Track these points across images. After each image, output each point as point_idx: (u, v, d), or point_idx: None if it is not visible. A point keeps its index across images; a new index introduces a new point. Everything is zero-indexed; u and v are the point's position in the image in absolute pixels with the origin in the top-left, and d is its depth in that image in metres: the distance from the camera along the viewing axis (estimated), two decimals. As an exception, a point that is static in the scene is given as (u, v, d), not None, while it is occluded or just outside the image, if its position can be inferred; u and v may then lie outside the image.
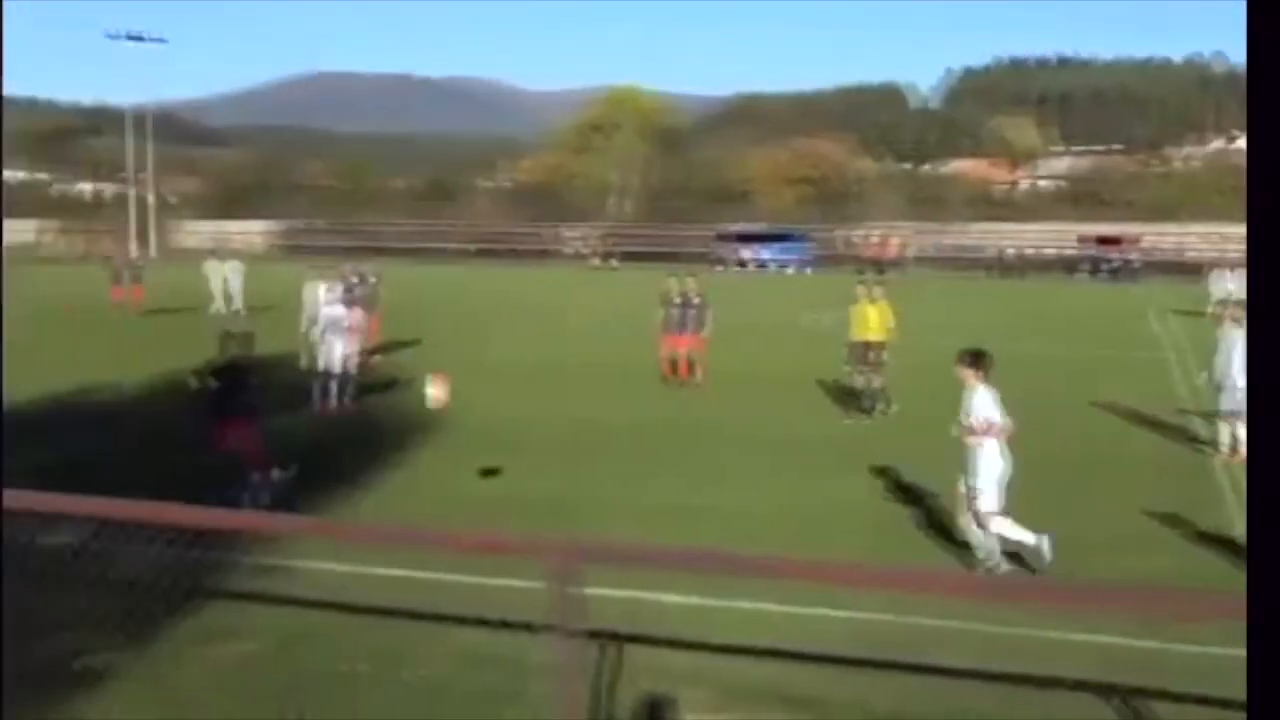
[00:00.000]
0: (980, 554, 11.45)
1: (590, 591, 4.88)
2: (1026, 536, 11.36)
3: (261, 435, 14.10)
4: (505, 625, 8.73)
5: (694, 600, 9.76)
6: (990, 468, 11.38)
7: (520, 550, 5.43)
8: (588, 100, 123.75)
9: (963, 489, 11.62)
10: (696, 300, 24.08)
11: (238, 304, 37.86)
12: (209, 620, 9.30)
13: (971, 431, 11.46)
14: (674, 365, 23.99)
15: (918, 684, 8.43)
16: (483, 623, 9.05)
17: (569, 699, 4.79)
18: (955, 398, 11.75)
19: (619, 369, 25.70)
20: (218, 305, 37.84)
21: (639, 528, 12.59)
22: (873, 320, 21.06)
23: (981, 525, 11.42)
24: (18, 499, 6.18)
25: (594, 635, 7.60)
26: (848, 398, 21.31)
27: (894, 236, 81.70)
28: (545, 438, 17.97)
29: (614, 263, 78.75)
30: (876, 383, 20.63)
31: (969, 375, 11.74)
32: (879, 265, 68.42)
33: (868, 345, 20.85)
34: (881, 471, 15.43)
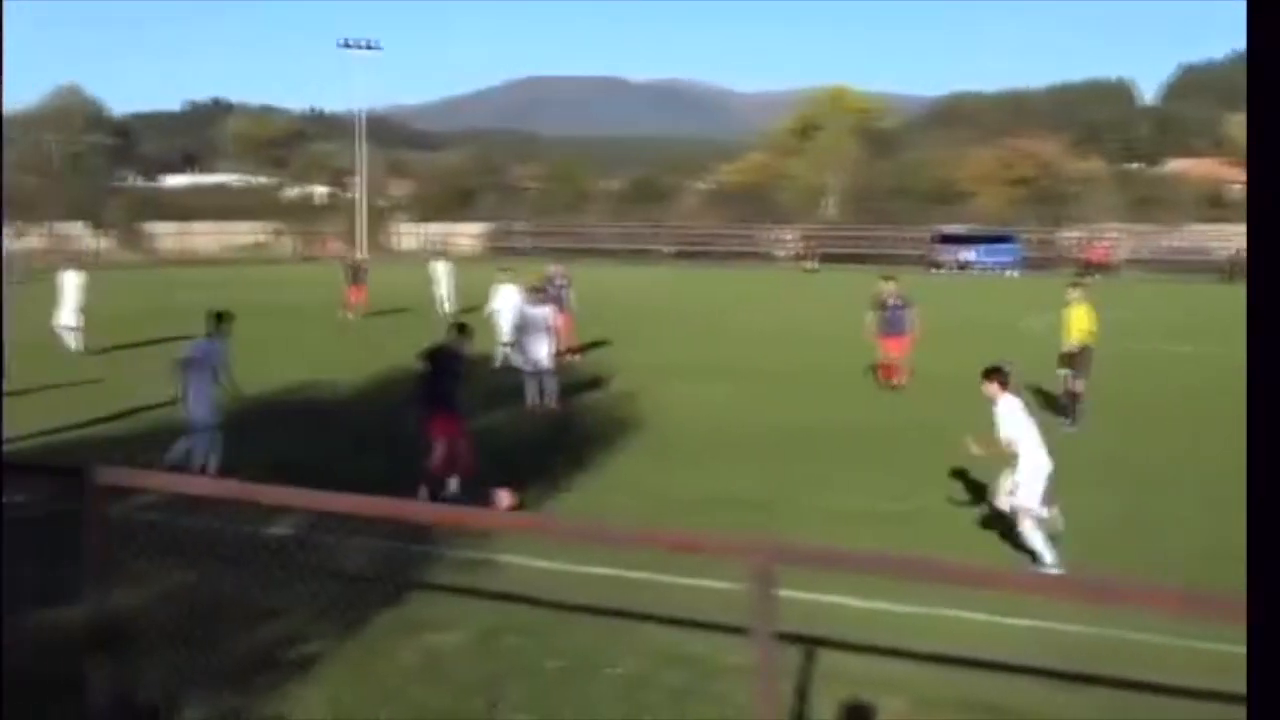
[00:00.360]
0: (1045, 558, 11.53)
1: (784, 594, 4.89)
2: (1043, 549, 11.54)
3: (465, 432, 14.49)
4: (701, 625, 8.80)
5: (887, 606, 9.68)
6: (1033, 472, 11.75)
7: (721, 551, 5.48)
8: (797, 102, 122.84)
9: (1007, 486, 11.93)
10: (898, 303, 23.98)
11: (450, 305, 38.21)
12: (417, 612, 9.58)
13: (999, 447, 11.89)
14: (886, 368, 23.99)
15: (1121, 700, 8.20)
16: (679, 622, 9.14)
17: (767, 701, 4.81)
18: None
19: (818, 371, 25.57)
20: (446, 306, 37.90)
21: (833, 531, 12.51)
22: (1073, 324, 20.57)
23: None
24: (242, 490, 6.51)
25: (789, 638, 7.59)
26: (1060, 403, 20.80)
27: (1103, 239, 79.14)
28: (747, 439, 17.97)
29: (812, 264, 78.08)
30: (1078, 388, 20.12)
31: (994, 391, 12.17)
32: (1088, 268, 66.27)
33: (1073, 349, 20.38)
34: (1084, 481, 14.90)
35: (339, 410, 21.06)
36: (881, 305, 24.18)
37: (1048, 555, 11.54)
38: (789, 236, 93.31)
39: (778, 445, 17.56)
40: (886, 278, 25.52)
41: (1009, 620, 9.32)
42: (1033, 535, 11.67)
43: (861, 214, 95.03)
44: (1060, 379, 20.74)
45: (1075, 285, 21.94)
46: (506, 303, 25.91)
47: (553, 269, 29.67)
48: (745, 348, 30.66)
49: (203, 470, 14.47)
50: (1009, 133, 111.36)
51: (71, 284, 29.71)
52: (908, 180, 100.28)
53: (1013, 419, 11.94)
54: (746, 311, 41.87)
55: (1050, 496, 11.82)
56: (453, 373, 14.60)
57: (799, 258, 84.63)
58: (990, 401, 12.13)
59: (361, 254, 40.62)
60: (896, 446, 17.42)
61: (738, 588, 4.90)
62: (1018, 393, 12.59)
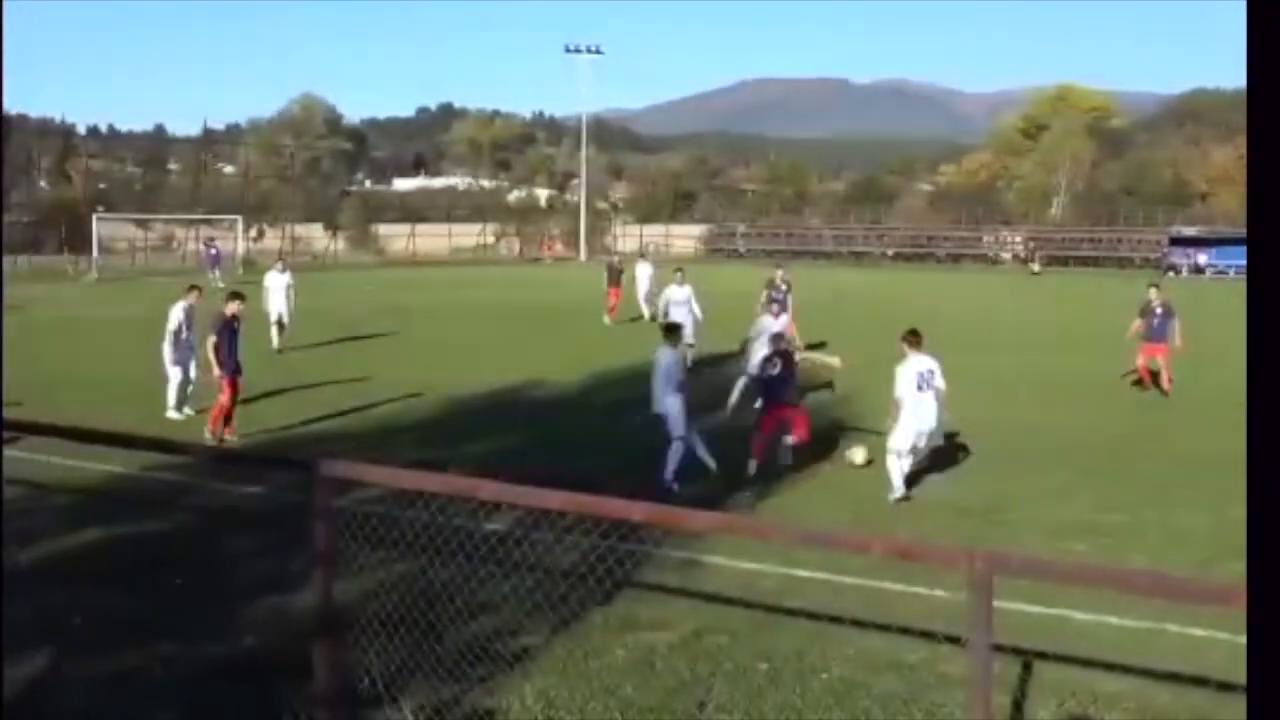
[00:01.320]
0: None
1: (1002, 604, 4.76)
2: (896, 482, 14.05)
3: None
4: (915, 633, 8.63)
5: (1111, 619, 9.35)
6: (906, 424, 14.11)
7: (938, 559, 5.36)
8: (1025, 100, 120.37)
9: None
10: (1163, 310, 23.76)
11: (649, 306, 37.65)
12: (628, 610, 9.64)
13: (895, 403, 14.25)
14: (1148, 374, 23.66)
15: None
16: (893, 629, 8.98)
17: (982, 712, 4.69)
18: None
19: (1045, 377, 24.97)
20: (645, 308, 37.85)
21: (1052, 542, 12.15)
22: None
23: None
24: (461, 485, 6.63)
25: (1007, 649, 7.40)
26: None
27: None
28: (975, 445, 17.58)
29: (1035, 267, 76.23)
30: None
31: (901, 349, 14.58)
32: None
33: None
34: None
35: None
36: (1148, 312, 23.98)
37: (896, 485, 14.06)
38: (1014, 238, 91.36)
39: (1006, 452, 17.11)
40: (1152, 284, 25.48)
41: (1241, 638, 8.89)
42: (892, 468, 14.16)
43: (1090, 215, 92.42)
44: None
45: None
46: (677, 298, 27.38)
47: (778, 273, 29.62)
48: (966, 352, 30.08)
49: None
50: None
51: (278, 284, 30.72)
52: (1139, 180, 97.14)
53: (904, 379, 14.25)
54: (969, 314, 41.00)
55: (920, 452, 14.56)
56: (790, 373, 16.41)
57: (1023, 260, 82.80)
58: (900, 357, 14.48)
59: (617, 255, 40.90)
60: (1128, 457, 16.80)
61: (955, 596, 4.79)
62: (931, 358, 14.57)
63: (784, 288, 28.29)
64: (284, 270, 31.35)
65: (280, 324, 30.12)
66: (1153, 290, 24.58)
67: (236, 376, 17.87)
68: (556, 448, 17.13)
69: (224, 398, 17.59)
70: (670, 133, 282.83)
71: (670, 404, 15.06)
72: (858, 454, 15.83)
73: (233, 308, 18.46)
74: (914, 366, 14.32)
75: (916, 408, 14.19)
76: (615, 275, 38.61)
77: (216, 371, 17.65)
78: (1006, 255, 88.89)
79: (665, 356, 15.24)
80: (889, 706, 7.87)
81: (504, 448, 17.09)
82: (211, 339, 17.78)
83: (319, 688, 6.67)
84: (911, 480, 14.70)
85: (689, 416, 15.14)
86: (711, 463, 15.30)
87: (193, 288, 20.98)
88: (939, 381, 14.54)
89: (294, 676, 7.18)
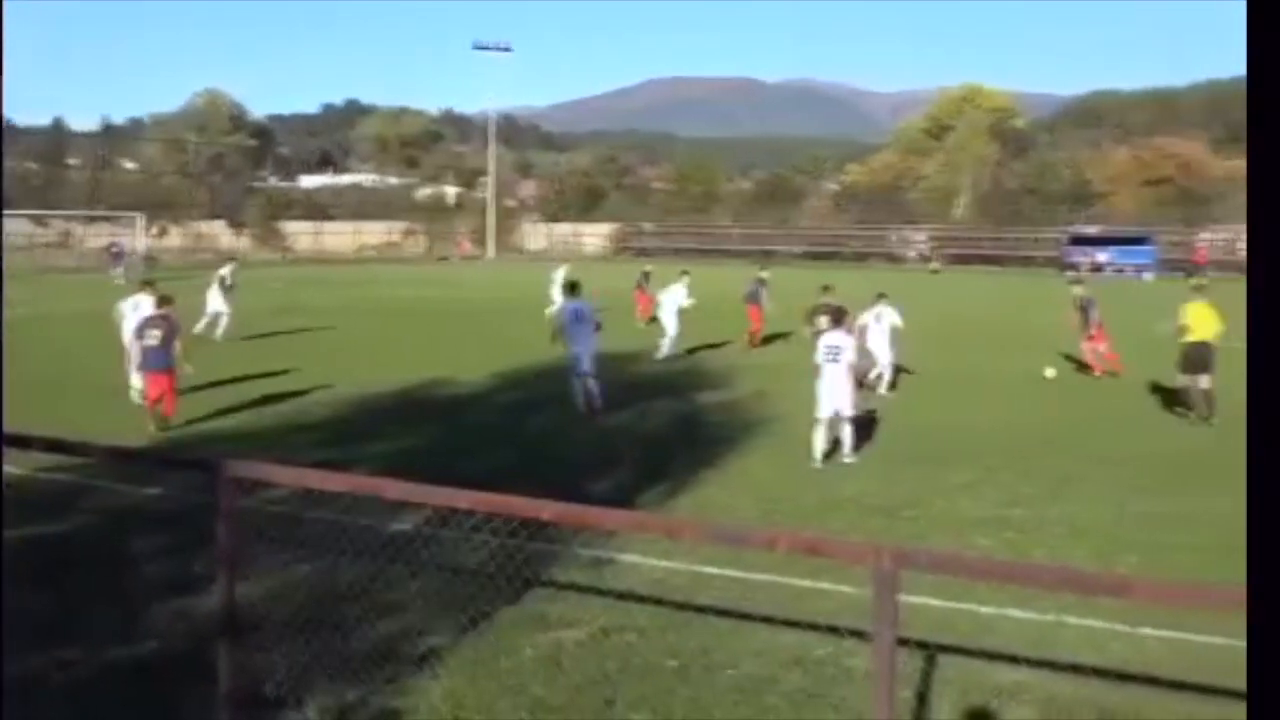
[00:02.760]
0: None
1: (907, 599, 4.80)
2: (816, 450, 15.99)
3: None
4: (823, 629, 8.69)
5: (1013, 613, 9.50)
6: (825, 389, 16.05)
7: (845, 554, 5.40)
8: (930, 101, 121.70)
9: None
10: (1086, 303, 25.59)
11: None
12: (537, 609, 9.62)
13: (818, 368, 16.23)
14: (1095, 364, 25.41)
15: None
16: (801, 625, 9.05)
17: (887, 706, 4.74)
18: None
19: (951, 372, 25.28)
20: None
21: (958, 537, 12.30)
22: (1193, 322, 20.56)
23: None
24: (366, 484, 6.57)
25: (912, 643, 7.47)
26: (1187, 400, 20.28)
27: (1201, 240, 77.19)
28: (881, 441, 17.76)
29: (935, 265, 77.23)
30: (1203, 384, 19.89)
31: (821, 324, 17.73)
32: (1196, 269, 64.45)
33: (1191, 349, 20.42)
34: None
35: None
36: (1081, 307, 25.59)
37: (816, 454, 15.95)
38: (918, 238, 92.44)
39: (913, 448, 17.31)
40: (1076, 281, 28.48)
41: (1140, 630, 9.08)
42: (816, 440, 16.04)
43: (994, 215, 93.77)
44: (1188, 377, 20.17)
45: (1196, 287, 22.60)
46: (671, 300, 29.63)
47: (763, 273, 33.57)
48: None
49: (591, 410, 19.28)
50: (1149, 132, 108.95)
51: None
52: (1041, 180, 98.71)
53: (820, 352, 16.29)
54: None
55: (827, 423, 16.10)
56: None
57: (925, 259, 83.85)
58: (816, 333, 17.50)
59: (648, 268, 41.27)
60: (1032, 453, 17.04)
61: (862, 592, 4.83)
62: (849, 333, 17.04)
63: (759, 284, 32.14)
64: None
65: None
66: (1079, 287, 26.55)
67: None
68: (464, 447, 17.06)
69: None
70: (579, 130, 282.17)
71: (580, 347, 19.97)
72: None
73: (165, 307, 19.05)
74: (828, 340, 16.43)
75: (823, 378, 16.13)
76: (644, 279, 38.99)
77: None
78: (911, 254, 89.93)
79: (572, 306, 20.38)
80: (795, 702, 7.92)
81: (411, 447, 16.99)
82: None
83: (223, 690, 6.58)
84: (820, 479, 14.87)
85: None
86: (579, 402, 19.84)
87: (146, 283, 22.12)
88: (846, 357, 16.24)
89: (198, 679, 7.08)
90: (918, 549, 6.18)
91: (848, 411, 16.16)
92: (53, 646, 8.60)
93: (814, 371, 16.30)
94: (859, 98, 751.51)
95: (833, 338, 16.45)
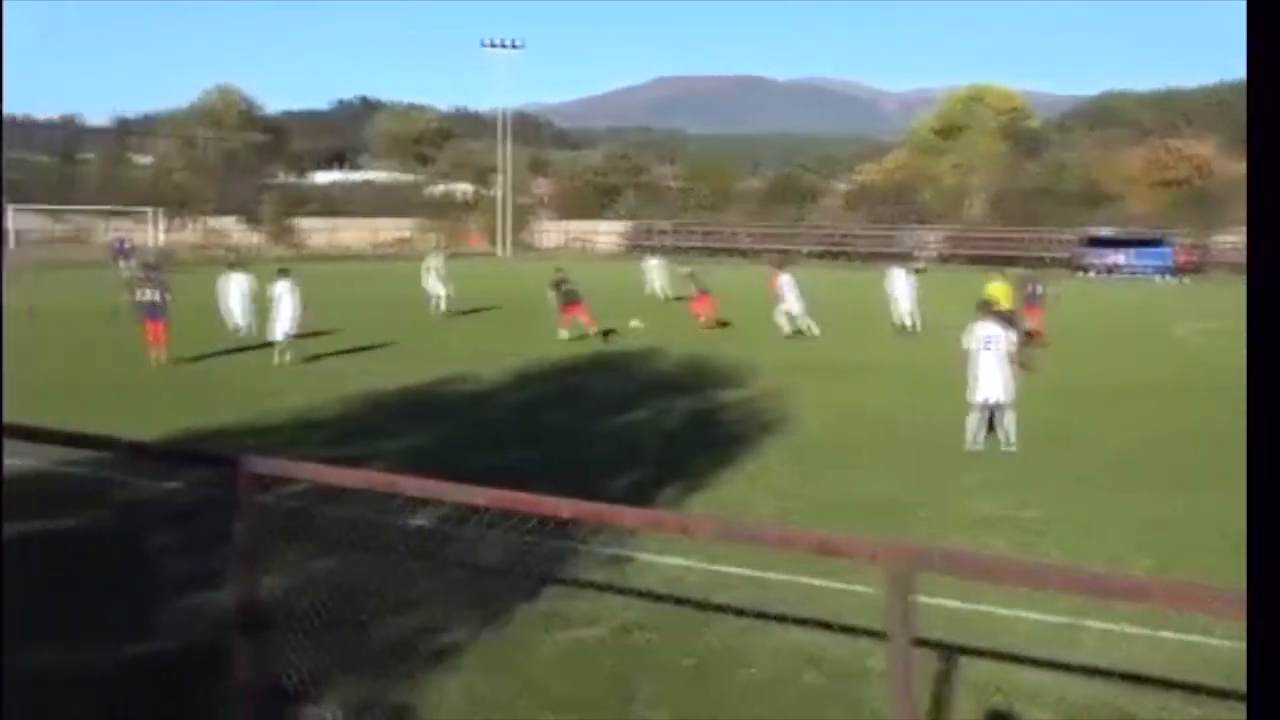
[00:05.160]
0: None
1: (925, 600, 4.83)
2: (969, 434, 16.90)
3: None
4: (840, 629, 8.73)
5: (1032, 615, 9.50)
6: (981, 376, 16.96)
7: (859, 554, 5.43)
8: (943, 100, 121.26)
9: None
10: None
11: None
12: (554, 606, 9.65)
13: None
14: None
15: None
16: (814, 624, 9.08)
17: (903, 707, 4.76)
18: None
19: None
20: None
21: (971, 536, 12.31)
22: None
23: None
24: (385, 481, 6.62)
25: (926, 644, 7.49)
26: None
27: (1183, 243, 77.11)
28: (891, 439, 17.79)
29: (920, 265, 76.92)
30: None
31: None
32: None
33: None
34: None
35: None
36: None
37: (970, 435, 16.97)
38: (930, 237, 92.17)
39: (925, 446, 17.33)
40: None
41: (1160, 633, 9.08)
42: (969, 418, 17.03)
43: (1006, 215, 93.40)
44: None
45: None
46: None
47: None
48: (886, 346, 30.41)
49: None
50: (1162, 133, 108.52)
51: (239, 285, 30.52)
52: (1054, 181, 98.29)
53: (976, 340, 17.06)
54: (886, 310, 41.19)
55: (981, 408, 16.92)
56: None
57: (944, 259, 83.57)
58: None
59: (688, 268, 41.65)
60: (1045, 452, 17.03)
61: (878, 592, 4.87)
62: (997, 325, 17.38)
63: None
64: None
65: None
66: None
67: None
68: (481, 443, 17.10)
69: None
70: (594, 127, 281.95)
71: None
72: None
73: None
74: (979, 331, 17.16)
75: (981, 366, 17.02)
76: (698, 282, 39.06)
77: None
78: (923, 254, 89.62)
79: None
80: (813, 701, 7.95)
81: (427, 443, 17.04)
82: None
83: (241, 685, 6.63)
84: (837, 477, 14.88)
85: None
86: None
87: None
88: (1003, 345, 16.98)
89: (216, 674, 7.13)
90: (932, 549, 6.19)
91: (1005, 399, 16.92)
92: (71, 641, 8.66)
93: (965, 359, 17.21)
94: (871, 96, 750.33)
95: (988, 327, 17.24)
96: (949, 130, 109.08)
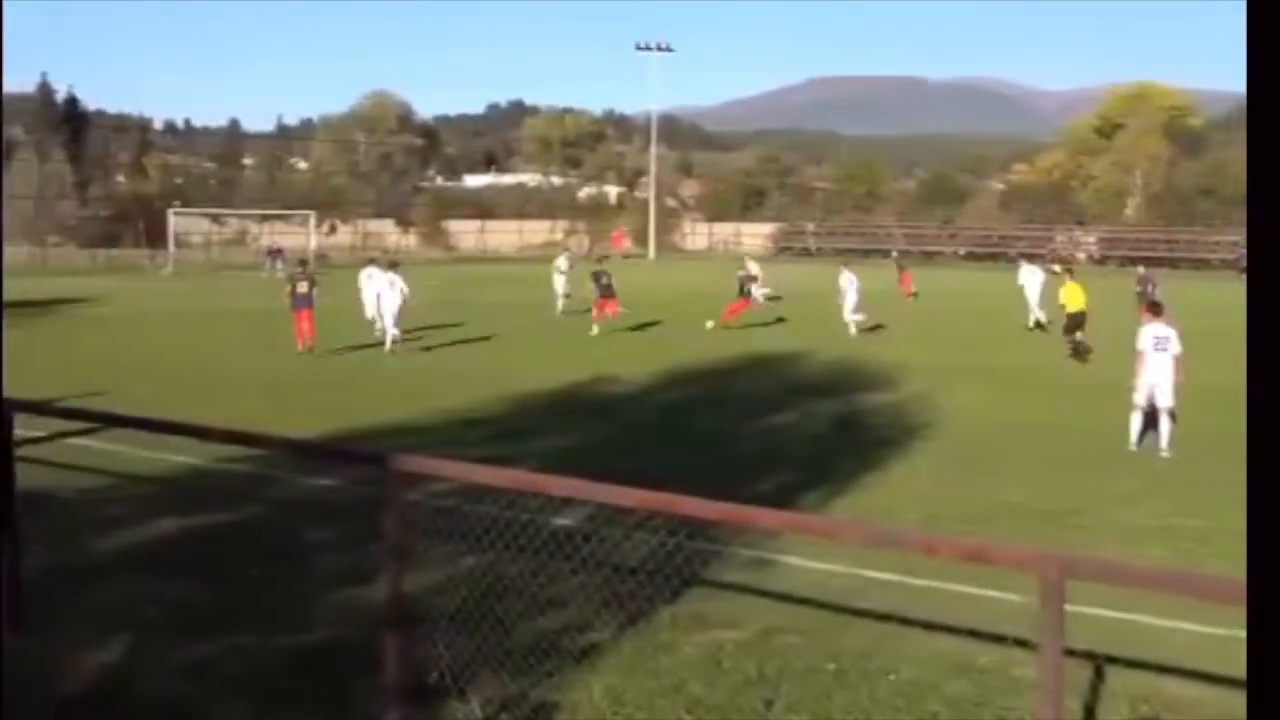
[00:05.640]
0: None
1: (1074, 609, 4.71)
2: (1133, 434, 16.83)
3: None
4: (987, 637, 8.56)
5: (1187, 626, 9.20)
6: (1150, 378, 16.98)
7: (1009, 562, 5.32)
8: (1101, 99, 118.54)
9: None
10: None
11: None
12: (696, 607, 9.63)
13: None
14: None
15: None
16: (959, 631, 8.93)
17: (1053, 717, 4.67)
18: None
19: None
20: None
21: (1128, 545, 11.99)
22: None
23: None
24: (530, 481, 6.67)
25: (1079, 654, 7.31)
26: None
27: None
28: (1045, 447, 17.43)
29: (1055, 268, 74.96)
30: None
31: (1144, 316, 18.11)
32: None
33: None
34: None
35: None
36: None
37: (1133, 435, 16.96)
38: (1087, 238, 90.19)
39: (1077, 453, 16.94)
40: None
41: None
42: (1132, 417, 17.06)
43: (1166, 216, 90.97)
44: None
45: None
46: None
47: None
48: (1031, 352, 29.85)
49: None
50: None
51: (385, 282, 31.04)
52: (1216, 181, 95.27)
53: (1147, 341, 17.07)
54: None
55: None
56: None
57: (1096, 261, 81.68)
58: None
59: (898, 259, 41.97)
60: (1201, 460, 16.52)
61: (1027, 600, 4.77)
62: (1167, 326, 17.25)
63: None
64: (386, 268, 31.47)
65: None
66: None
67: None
68: (627, 444, 17.17)
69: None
70: (740, 129, 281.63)
71: None
72: None
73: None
74: (1150, 332, 17.09)
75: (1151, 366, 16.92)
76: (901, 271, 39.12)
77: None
78: (1081, 255, 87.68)
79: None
80: (958, 710, 7.81)
81: (574, 444, 17.15)
82: None
83: (389, 680, 6.74)
84: (987, 484, 14.64)
85: None
86: None
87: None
88: (1174, 347, 16.86)
89: (364, 669, 7.25)
90: (1085, 557, 6.06)
91: (1169, 403, 16.72)
92: (226, 633, 8.89)
93: (1137, 359, 17.13)
94: (1025, 95, 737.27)
95: (1159, 328, 17.14)
96: (1108, 129, 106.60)
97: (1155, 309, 18.06)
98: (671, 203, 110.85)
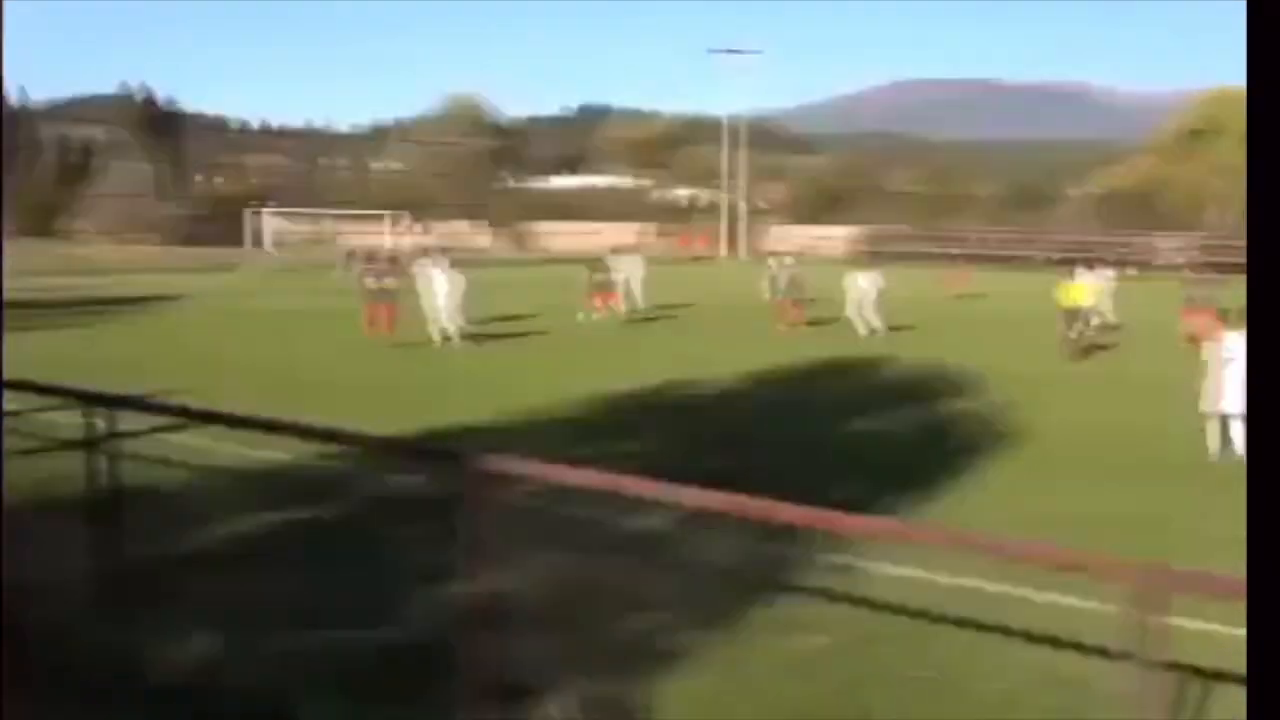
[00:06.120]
0: None
1: (1172, 621, 4.65)
2: (1211, 445, 16.41)
3: None
4: (1080, 648, 8.44)
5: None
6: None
7: (1105, 571, 5.25)
8: (1186, 103, 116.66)
9: None
10: None
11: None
12: (784, 613, 9.58)
13: None
14: None
15: None
16: (1053, 642, 8.80)
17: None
18: None
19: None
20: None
21: (1225, 556, 11.73)
22: None
23: None
24: (614, 482, 6.68)
25: (1175, 667, 7.19)
26: None
27: None
28: (1141, 456, 17.18)
29: (1130, 272, 73.22)
30: None
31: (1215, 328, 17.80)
32: None
33: None
34: None
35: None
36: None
37: (1212, 446, 16.46)
38: (1174, 245, 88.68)
39: (1178, 463, 16.68)
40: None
41: None
42: (1208, 426, 16.70)
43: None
44: None
45: None
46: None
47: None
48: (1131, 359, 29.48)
49: None
50: None
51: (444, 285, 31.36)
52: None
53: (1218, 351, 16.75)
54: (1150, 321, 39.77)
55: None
56: None
57: (1195, 268, 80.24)
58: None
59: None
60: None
61: (1125, 611, 4.69)
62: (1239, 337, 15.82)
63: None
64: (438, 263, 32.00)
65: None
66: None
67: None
68: (711, 446, 17.11)
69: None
70: (826, 132, 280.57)
71: None
72: None
73: None
74: (1228, 341, 16.66)
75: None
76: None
77: None
78: (1163, 263, 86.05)
79: None
80: (1052, 721, 7.72)
81: (662, 446, 17.11)
82: None
83: (471, 679, 6.77)
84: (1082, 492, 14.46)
85: None
86: None
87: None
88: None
89: (448, 668, 7.28)
90: (1185, 569, 5.94)
91: (1238, 410, 16.30)
92: (314, 628, 8.97)
93: (1203, 369, 17.03)
94: (1109, 99, 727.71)
95: (1234, 336, 16.68)
96: (1198, 133, 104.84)
97: (1230, 317, 17.82)
98: (758, 206, 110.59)
